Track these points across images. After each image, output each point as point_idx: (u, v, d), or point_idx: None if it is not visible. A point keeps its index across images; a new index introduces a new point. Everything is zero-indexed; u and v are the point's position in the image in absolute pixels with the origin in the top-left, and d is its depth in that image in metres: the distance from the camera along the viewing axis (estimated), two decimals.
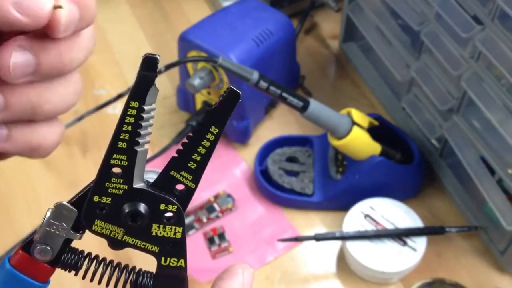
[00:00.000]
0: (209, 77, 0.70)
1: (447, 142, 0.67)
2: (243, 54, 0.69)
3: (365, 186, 0.68)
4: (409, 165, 0.69)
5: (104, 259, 0.27)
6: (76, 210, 0.26)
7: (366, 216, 0.66)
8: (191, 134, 0.25)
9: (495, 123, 0.56)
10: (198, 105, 0.76)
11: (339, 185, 0.70)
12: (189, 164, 0.25)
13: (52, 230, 0.26)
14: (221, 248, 0.68)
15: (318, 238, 0.65)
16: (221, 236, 0.69)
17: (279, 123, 0.80)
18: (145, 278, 0.27)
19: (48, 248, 0.26)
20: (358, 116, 0.67)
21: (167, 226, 0.26)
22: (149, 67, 0.24)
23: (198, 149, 0.25)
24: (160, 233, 0.26)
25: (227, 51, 0.68)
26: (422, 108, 0.71)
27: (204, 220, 0.71)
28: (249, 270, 0.28)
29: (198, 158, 0.25)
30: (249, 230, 0.70)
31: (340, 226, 0.66)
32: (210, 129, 0.25)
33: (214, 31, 0.71)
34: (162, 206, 0.26)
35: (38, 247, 0.26)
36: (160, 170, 0.26)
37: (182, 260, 0.26)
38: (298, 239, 0.66)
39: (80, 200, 0.26)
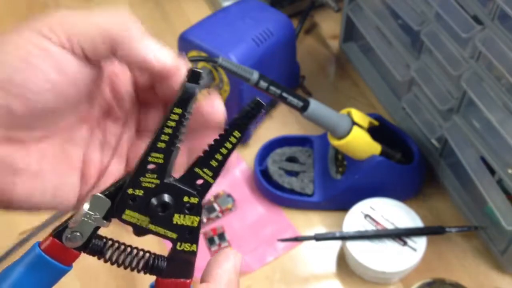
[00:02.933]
0: (209, 77, 0.70)
1: (447, 142, 0.67)
2: (243, 54, 0.69)
3: (365, 186, 0.68)
4: (409, 165, 0.69)
5: (123, 243, 0.30)
6: (109, 200, 0.29)
7: (366, 216, 0.66)
8: (217, 137, 0.29)
9: (495, 123, 0.56)
10: None
11: (339, 185, 0.70)
12: (211, 162, 0.29)
13: (85, 219, 0.28)
14: (221, 248, 0.68)
15: (318, 238, 0.65)
16: (221, 236, 0.69)
17: (279, 123, 0.80)
18: (159, 261, 0.29)
19: (79, 235, 0.28)
20: (358, 116, 0.67)
21: (187, 216, 0.29)
22: (193, 79, 0.28)
23: (221, 150, 0.29)
24: (180, 221, 0.29)
25: (227, 51, 0.68)
26: (422, 108, 0.71)
27: (204, 220, 0.71)
28: (238, 254, 0.32)
29: (220, 158, 0.29)
30: (249, 230, 0.70)
31: (340, 226, 0.66)
32: (234, 133, 0.29)
33: (214, 31, 0.71)
34: (185, 199, 0.29)
35: (70, 235, 0.28)
36: None
37: (194, 245, 0.30)
38: (298, 239, 0.66)
39: (113, 191, 0.29)
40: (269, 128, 0.79)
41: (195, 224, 0.29)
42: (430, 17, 0.63)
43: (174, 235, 0.29)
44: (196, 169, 0.29)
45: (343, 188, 0.69)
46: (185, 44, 0.71)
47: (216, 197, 0.72)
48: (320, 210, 0.72)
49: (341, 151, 0.70)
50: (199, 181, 0.29)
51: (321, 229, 0.70)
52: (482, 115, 0.60)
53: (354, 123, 0.65)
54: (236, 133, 0.29)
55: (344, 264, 0.67)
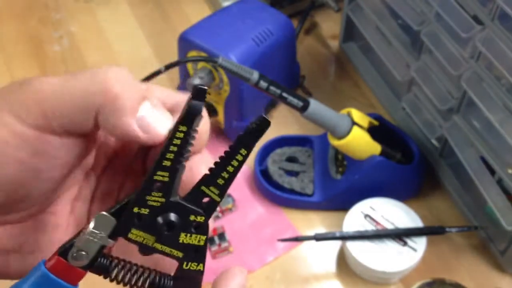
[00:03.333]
0: (209, 77, 0.70)
1: (447, 142, 0.67)
2: (243, 54, 0.69)
3: (365, 186, 0.68)
4: (409, 165, 0.69)
5: (129, 262, 0.29)
6: (115, 219, 0.28)
7: (366, 216, 0.66)
8: (223, 155, 0.28)
9: (495, 123, 0.56)
10: None
11: (339, 185, 0.70)
12: (218, 181, 0.28)
13: (91, 238, 0.28)
14: (221, 248, 0.68)
15: (318, 238, 0.65)
16: (221, 236, 0.69)
17: (279, 123, 0.80)
18: (165, 280, 0.29)
19: (85, 253, 0.28)
20: (358, 116, 0.67)
21: (193, 235, 0.29)
22: (198, 96, 0.27)
23: (227, 168, 0.28)
24: (187, 240, 0.29)
25: (227, 51, 0.68)
26: (422, 108, 0.71)
27: None
28: (244, 271, 0.30)
29: (226, 176, 0.28)
30: (249, 230, 0.70)
31: (340, 226, 0.66)
32: (240, 151, 0.28)
33: (214, 31, 0.71)
34: (192, 217, 0.29)
35: (76, 254, 0.28)
36: None
37: (201, 265, 0.29)
38: (298, 239, 0.66)
39: (119, 210, 0.28)
40: (269, 128, 0.79)
41: (202, 243, 0.29)
42: (430, 17, 0.63)
43: (180, 254, 0.29)
44: (203, 188, 0.29)
45: (343, 188, 0.69)
46: (185, 44, 0.71)
47: None
48: (320, 210, 0.72)
49: (341, 151, 0.70)
50: (205, 199, 0.29)
51: (321, 229, 0.70)
52: (482, 115, 0.60)
53: (354, 123, 0.65)
54: (243, 151, 0.28)
55: (344, 264, 0.67)
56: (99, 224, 0.28)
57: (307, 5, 0.90)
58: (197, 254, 0.29)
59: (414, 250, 0.63)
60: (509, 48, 0.53)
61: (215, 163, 0.28)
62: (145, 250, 0.29)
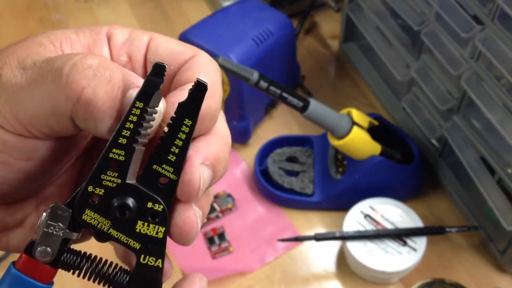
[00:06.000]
0: None
1: (447, 142, 0.67)
2: (243, 54, 0.69)
3: (365, 186, 0.68)
4: (409, 165, 0.69)
5: (101, 258, 0.28)
6: (70, 210, 0.27)
7: (366, 216, 0.66)
8: (167, 128, 0.26)
9: (495, 123, 0.56)
10: None
11: (339, 185, 0.70)
12: (168, 157, 0.26)
13: (49, 231, 0.27)
14: (221, 248, 0.68)
15: (318, 238, 0.65)
16: (221, 236, 0.69)
17: (279, 123, 0.80)
18: (121, 275, 0.27)
19: (48, 249, 0.27)
20: (358, 116, 0.67)
21: (151, 225, 0.27)
22: (157, 73, 0.26)
23: (175, 142, 0.26)
24: (144, 230, 0.27)
25: (227, 51, 0.68)
26: (422, 108, 0.71)
27: (204, 220, 0.71)
28: (204, 279, 0.28)
29: (177, 151, 0.26)
30: (249, 230, 0.70)
31: (340, 226, 0.66)
32: (184, 122, 0.26)
33: (214, 31, 0.71)
34: (149, 204, 0.27)
35: (38, 249, 0.27)
36: None
37: (160, 260, 0.27)
38: (298, 239, 0.66)
39: (74, 201, 0.27)
40: (269, 128, 0.79)
41: (160, 235, 0.27)
42: (430, 17, 0.63)
43: (137, 245, 0.27)
44: (154, 166, 0.26)
45: (343, 188, 0.69)
46: None
47: (216, 197, 0.72)
48: (320, 210, 0.72)
49: (341, 151, 0.70)
50: (163, 180, 0.27)
51: (321, 229, 0.70)
52: (482, 115, 0.60)
53: (354, 123, 0.65)
54: (187, 121, 0.26)
55: (344, 264, 0.67)
56: (54, 215, 0.27)
57: (307, 5, 0.90)
58: (155, 247, 0.27)
59: (414, 250, 0.63)
60: (509, 48, 0.53)
61: (161, 138, 0.26)
62: (101, 236, 0.27)
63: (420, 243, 0.63)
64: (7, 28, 0.94)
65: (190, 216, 0.27)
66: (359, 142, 0.66)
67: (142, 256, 0.27)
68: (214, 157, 0.27)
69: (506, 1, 0.51)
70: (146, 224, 0.27)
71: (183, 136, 0.26)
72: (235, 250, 0.68)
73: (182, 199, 0.26)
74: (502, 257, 0.65)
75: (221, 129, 0.28)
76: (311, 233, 0.66)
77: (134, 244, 0.27)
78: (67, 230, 0.27)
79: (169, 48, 0.28)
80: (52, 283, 0.27)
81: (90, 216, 0.27)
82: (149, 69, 0.26)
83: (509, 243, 0.62)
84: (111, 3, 0.96)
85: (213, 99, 0.27)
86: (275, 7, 0.78)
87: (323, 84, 0.85)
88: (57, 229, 0.27)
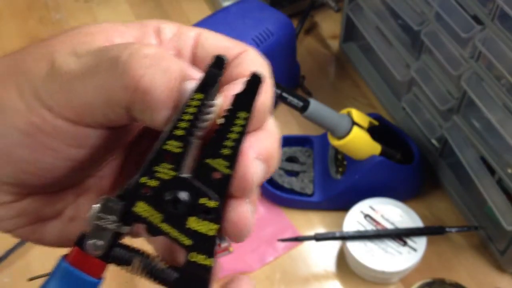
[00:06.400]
0: None
1: (447, 142, 0.67)
2: None
3: (365, 186, 0.68)
4: (409, 165, 0.69)
5: (151, 254, 0.27)
6: (122, 202, 0.26)
7: (366, 216, 0.66)
8: (222, 121, 0.25)
9: (495, 123, 0.56)
10: None
11: (339, 185, 0.70)
12: (223, 151, 0.25)
13: (101, 224, 0.26)
14: (221, 248, 0.68)
15: (318, 238, 0.65)
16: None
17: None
18: (169, 271, 0.27)
19: (99, 242, 0.26)
20: (358, 116, 0.66)
21: (203, 221, 0.26)
22: (217, 65, 0.25)
23: (229, 135, 0.25)
24: (195, 227, 0.26)
25: None
26: (422, 108, 0.71)
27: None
28: (252, 283, 0.28)
29: (231, 144, 0.25)
30: None
31: (340, 226, 0.66)
32: (239, 114, 0.25)
33: (214, 31, 0.71)
34: (203, 200, 0.26)
35: (89, 242, 0.26)
36: None
37: (210, 260, 0.27)
38: (298, 239, 0.66)
39: (126, 193, 0.26)
40: None
41: (212, 233, 0.26)
42: (430, 17, 0.63)
43: (188, 242, 0.26)
44: (208, 161, 0.25)
45: (343, 188, 0.69)
46: None
47: None
48: (320, 210, 0.72)
49: (341, 151, 0.70)
50: (216, 175, 0.26)
51: (321, 229, 0.70)
52: (482, 115, 0.60)
53: (354, 123, 0.65)
54: (243, 114, 0.25)
55: (344, 264, 0.67)
56: (105, 208, 0.26)
57: (307, 5, 0.90)
58: (206, 245, 0.26)
59: (414, 250, 0.63)
60: (509, 48, 0.53)
61: (215, 131, 0.25)
62: (152, 230, 0.26)
63: (420, 243, 0.63)
64: (7, 28, 0.94)
65: (244, 211, 0.26)
66: (359, 142, 0.66)
67: (192, 253, 0.26)
68: (267, 152, 0.26)
69: (506, 1, 0.51)
70: (198, 220, 0.26)
71: (238, 129, 0.25)
72: (235, 250, 0.68)
73: (236, 194, 0.26)
74: (502, 257, 0.65)
75: (272, 125, 0.28)
76: (311, 233, 0.66)
77: (184, 240, 0.26)
78: (119, 224, 0.26)
79: (217, 44, 0.28)
80: (101, 278, 0.26)
81: (142, 208, 0.26)
82: (199, 63, 0.26)
83: (509, 243, 0.62)
84: (111, 3, 0.96)
85: (267, 94, 0.26)
86: (275, 7, 0.78)
87: (323, 84, 0.85)
88: (109, 222, 0.26)
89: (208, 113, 0.25)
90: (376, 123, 0.69)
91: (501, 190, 0.60)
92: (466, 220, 0.69)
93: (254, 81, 0.25)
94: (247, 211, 0.26)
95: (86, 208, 0.29)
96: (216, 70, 0.25)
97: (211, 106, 0.25)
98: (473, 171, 0.62)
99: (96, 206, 0.26)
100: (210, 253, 0.27)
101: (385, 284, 0.65)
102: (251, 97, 0.25)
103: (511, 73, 0.53)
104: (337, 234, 0.65)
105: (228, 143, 0.25)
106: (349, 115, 0.66)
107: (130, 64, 0.24)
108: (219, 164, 0.25)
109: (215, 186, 0.26)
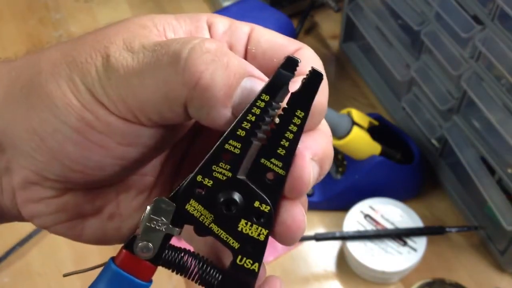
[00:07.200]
0: None
1: (447, 142, 0.67)
2: None
3: (365, 186, 0.68)
4: (409, 165, 0.69)
5: (200, 256, 0.27)
6: (174, 204, 0.25)
7: (366, 216, 0.66)
8: (277, 121, 0.25)
9: (495, 123, 0.56)
10: None
11: (339, 185, 0.70)
12: (278, 151, 0.25)
13: (152, 226, 0.25)
14: None
15: (318, 238, 0.65)
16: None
17: None
18: (214, 273, 0.26)
19: (150, 244, 0.25)
20: (358, 116, 0.67)
21: (254, 225, 0.26)
22: (288, 67, 0.24)
23: (285, 135, 0.24)
24: (246, 230, 0.26)
25: None
26: (422, 108, 0.71)
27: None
28: (283, 285, 0.28)
29: (287, 144, 0.24)
30: None
31: (340, 226, 0.66)
32: (296, 113, 0.24)
33: None
34: (256, 203, 0.25)
35: (140, 244, 0.25)
36: None
37: (256, 264, 0.26)
38: None
39: (178, 193, 0.26)
40: None
41: (262, 237, 0.26)
42: (430, 17, 0.63)
43: (236, 245, 0.25)
44: (263, 160, 0.25)
45: (343, 188, 0.69)
46: None
47: None
48: (320, 210, 0.72)
49: (341, 151, 0.70)
50: (270, 175, 0.25)
51: (321, 229, 0.70)
52: (482, 115, 0.60)
53: (354, 123, 0.65)
54: (299, 113, 0.24)
55: (344, 264, 0.67)
56: (157, 209, 0.25)
57: (307, 5, 0.90)
58: (255, 250, 0.26)
59: (414, 250, 0.63)
60: (509, 48, 0.53)
61: (271, 131, 0.24)
62: (201, 230, 0.25)
63: (420, 243, 0.63)
64: (7, 28, 0.94)
65: (298, 214, 0.25)
66: (359, 142, 0.66)
67: (239, 256, 0.26)
68: (323, 153, 0.25)
69: (506, 1, 0.51)
70: (249, 223, 0.25)
71: (295, 129, 0.24)
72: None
73: (290, 196, 0.25)
74: (502, 257, 0.65)
75: (325, 126, 0.27)
76: (311, 233, 0.66)
77: (233, 243, 0.25)
78: (170, 226, 0.25)
79: (272, 40, 0.27)
80: (151, 281, 0.26)
81: (194, 207, 0.25)
82: (251, 59, 0.25)
83: (509, 243, 0.62)
84: (111, 3, 0.96)
85: (323, 94, 0.25)
86: (275, 7, 0.78)
87: None
88: (160, 224, 0.25)
89: (273, 116, 0.24)
90: (376, 123, 0.69)
91: (501, 190, 0.60)
92: (466, 220, 0.69)
93: (313, 79, 0.24)
94: (301, 213, 0.25)
95: (126, 206, 0.28)
96: (286, 72, 0.24)
97: (278, 108, 0.24)
98: (473, 171, 0.62)
99: (149, 207, 0.25)
100: (258, 258, 0.26)
101: (385, 284, 0.65)
102: (309, 96, 0.24)
103: (511, 73, 0.53)
104: (337, 234, 0.65)
105: (284, 143, 0.24)
106: (349, 115, 0.66)
107: (191, 60, 0.23)
108: (273, 164, 0.25)
109: (269, 187, 0.25)
